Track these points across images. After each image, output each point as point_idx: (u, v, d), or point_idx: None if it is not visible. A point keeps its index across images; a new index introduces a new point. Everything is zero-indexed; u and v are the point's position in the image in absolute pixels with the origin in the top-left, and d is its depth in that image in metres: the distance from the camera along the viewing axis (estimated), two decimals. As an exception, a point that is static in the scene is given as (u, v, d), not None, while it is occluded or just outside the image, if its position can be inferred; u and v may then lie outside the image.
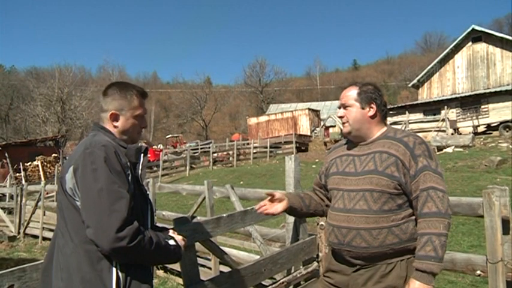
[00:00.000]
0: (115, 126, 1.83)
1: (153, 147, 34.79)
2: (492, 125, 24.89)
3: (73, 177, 1.62)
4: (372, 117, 2.13)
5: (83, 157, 1.62)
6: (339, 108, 2.23)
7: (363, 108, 2.12)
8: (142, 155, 1.81)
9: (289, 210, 2.32)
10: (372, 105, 2.13)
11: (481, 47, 29.68)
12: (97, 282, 1.57)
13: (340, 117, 2.20)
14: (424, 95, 32.19)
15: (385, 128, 2.17)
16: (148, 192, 2.28)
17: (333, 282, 2.19)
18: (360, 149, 2.16)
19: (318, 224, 3.68)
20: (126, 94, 1.84)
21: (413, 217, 2.01)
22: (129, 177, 1.68)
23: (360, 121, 2.12)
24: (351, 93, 2.16)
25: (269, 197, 2.27)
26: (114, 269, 1.59)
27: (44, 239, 9.61)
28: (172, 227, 2.66)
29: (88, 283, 1.57)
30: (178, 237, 1.88)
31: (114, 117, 1.82)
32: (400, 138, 2.06)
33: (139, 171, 1.79)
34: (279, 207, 2.26)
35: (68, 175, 1.65)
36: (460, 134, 23.56)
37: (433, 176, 1.95)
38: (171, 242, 1.80)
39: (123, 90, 1.85)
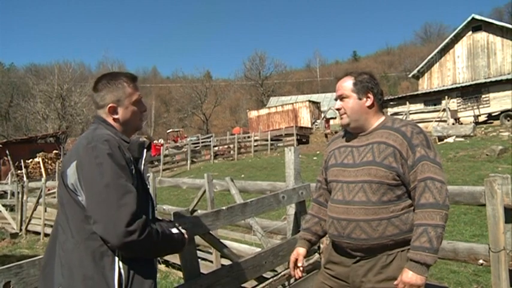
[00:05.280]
0: (115, 119, 1.79)
1: (154, 142, 34.80)
2: (493, 114, 24.87)
3: (75, 172, 1.58)
4: (370, 107, 2.10)
5: (86, 152, 1.58)
6: (336, 100, 2.19)
7: (360, 99, 2.09)
8: (145, 150, 1.78)
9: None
10: (369, 95, 2.10)
11: (481, 36, 29.51)
12: (99, 279, 1.55)
13: (338, 109, 2.16)
14: (425, 85, 32.06)
15: (383, 118, 2.13)
16: (149, 187, 2.26)
17: (333, 273, 2.17)
18: (358, 140, 2.13)
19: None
20: (117, 84, 1.80)
21: (413, 208, 1.98)
22: (133, 172, 1.65)
23: (358, 112, 2.09)
24: (347, 84, 2.12)
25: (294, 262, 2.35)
26: (116, 266, 1.57)
27: (46, 235, 9.62)
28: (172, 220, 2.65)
29: (90, 280, 1.54)
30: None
31: (113, 110, 1.79)
32: (397, 128, 2.03)
33: (142, 166, 1.77)
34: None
35: (69, 170, 1.61)
36: (461, 123, 23.52)
37: (431, 166, 1.92)
38: (174, 230, 1.78)
39: (113, 80, 1.81)
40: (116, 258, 1.57)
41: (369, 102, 2.09)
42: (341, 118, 2.16)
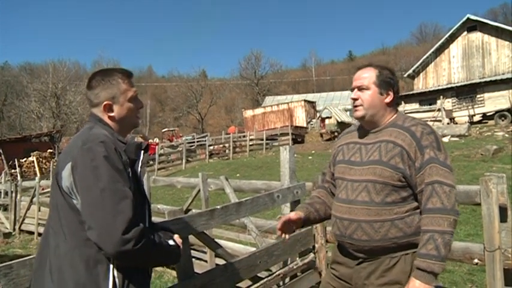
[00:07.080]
0: (111, 117, 1.73)
1: (149, 141, 34.71)
2: (488, 114, 24.99)
3: (71, 174, 1.52)
4: (389, 104, 2.01)
5: (81, 153, 1.52)
6: (352, 90, 2.06)
7: (381, 94, 1.99)
8: (142, 151, 1.71)
9: (304, 223, 2.22)
10: (390, 92, 2.01)
11: (476, 37, 29.62)
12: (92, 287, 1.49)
13: (354, 99, 2.02)
14: (420, 85, 32.15)
15: (395, 115, 2.04)
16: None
17: (338, 274, 2.11)
18: (367, 137, 2.04)
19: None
20: (112, 80, 1.74)
21: (419, 210, 1.90)
22: (129, 175, 1.60)
23: (376, 107, 1.99)
24: (369, 75, 2.00)
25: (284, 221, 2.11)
26: (111, 275, 1.51)
27: (40, 235, 9.54)
28: (166, 219, 2.63)
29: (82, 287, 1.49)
30: (176, 236, 1.80)
31: (109, 108, 1.73)
32: (407, 127, 1.93)
33: (139, 168, 1.69)
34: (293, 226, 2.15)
35: (64, 172, 1.54)
36: (456, 123, 23.60)
37: (440, 169, 1.82)
38: (171, 242, 1.71)
39: (107, 77, 1.74)
40: (111, 267, 1.52)
41: (388, 99, 2.00)
42: (355, 110, 2.04)
